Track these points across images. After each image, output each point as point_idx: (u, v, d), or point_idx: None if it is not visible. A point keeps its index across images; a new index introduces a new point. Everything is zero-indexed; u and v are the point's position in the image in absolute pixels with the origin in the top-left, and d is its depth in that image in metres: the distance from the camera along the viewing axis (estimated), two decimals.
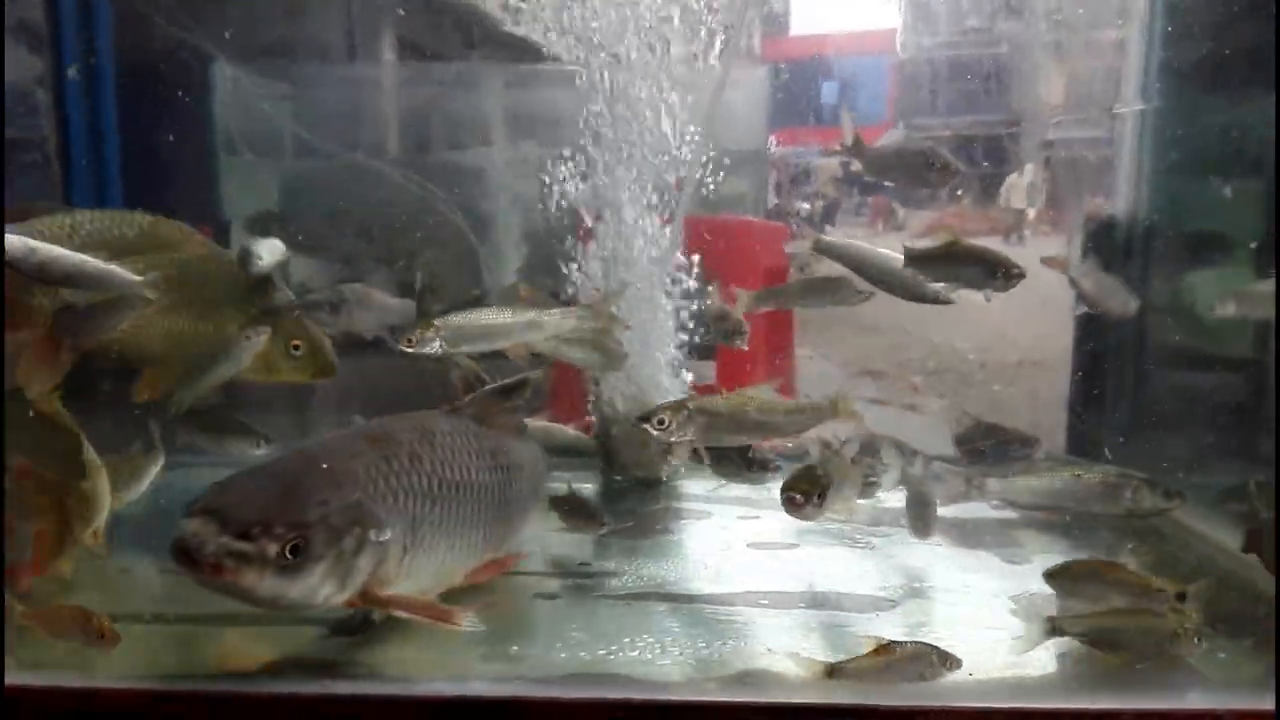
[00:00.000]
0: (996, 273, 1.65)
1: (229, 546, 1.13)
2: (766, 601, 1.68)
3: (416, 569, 1.38)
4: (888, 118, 5.06)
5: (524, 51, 3.54)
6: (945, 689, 1.39)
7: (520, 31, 3.62)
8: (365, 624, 1.52)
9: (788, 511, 1.56)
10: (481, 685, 1.38)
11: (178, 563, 1.14)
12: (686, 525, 2.09)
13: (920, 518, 1.83)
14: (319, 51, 3.81)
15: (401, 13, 3.76)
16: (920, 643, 1.39)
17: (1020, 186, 3.69)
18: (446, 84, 3.90)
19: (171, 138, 3.46)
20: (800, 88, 4.08)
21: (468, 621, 1.33)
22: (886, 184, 2.12)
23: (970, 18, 3.75)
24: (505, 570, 1.62)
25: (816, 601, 1.70)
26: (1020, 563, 1.88)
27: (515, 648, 1.48)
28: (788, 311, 3.46)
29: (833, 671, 1.36)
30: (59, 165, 3.28)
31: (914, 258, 1.75)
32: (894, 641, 1.38)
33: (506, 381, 1.67)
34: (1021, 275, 1.67)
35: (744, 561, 1.88)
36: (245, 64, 3.55)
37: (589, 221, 2.63)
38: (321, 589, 1.21)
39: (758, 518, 2.10)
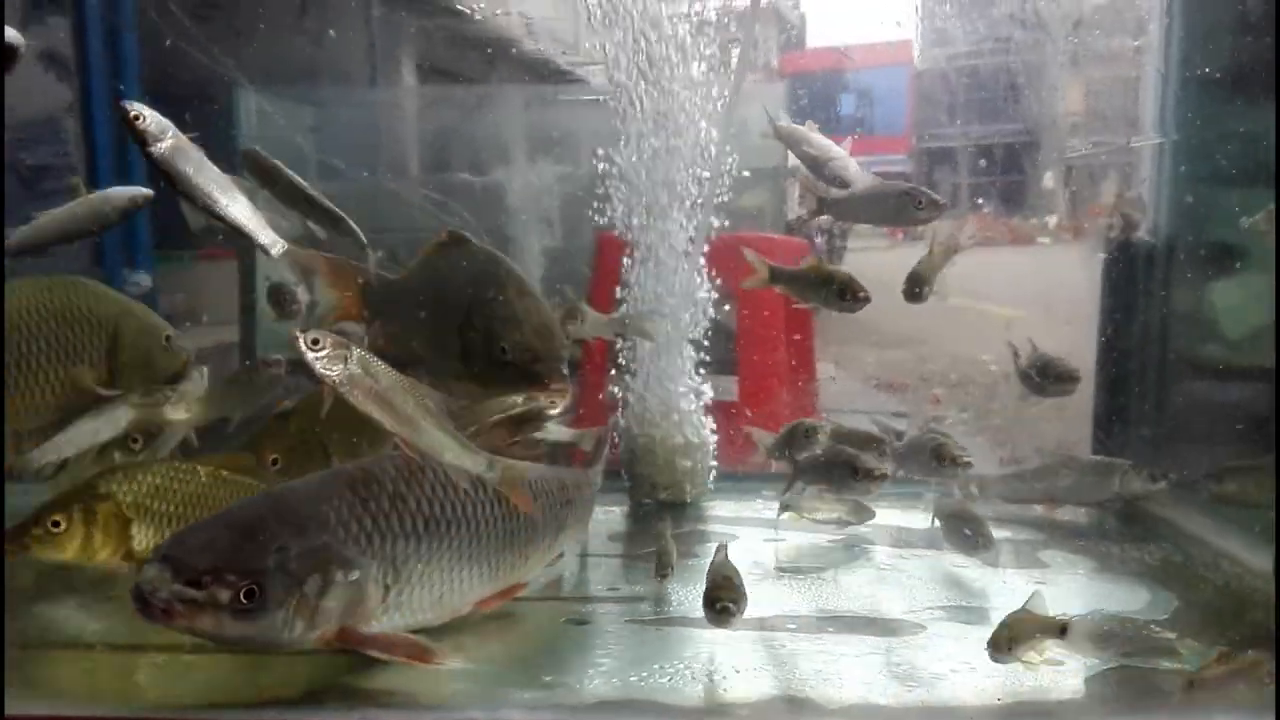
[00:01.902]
0: (845, 294, 1.80)
1: (181, 593, 1.18)
2: (794, 626, 1.70)
3: (409, 604, 1.40)
4: (905, 129, 5.07)
5: (545, 72, 3.58)
6: (971, 712, 1.40)
7: (540, 50, 3.67)
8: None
9: (715, 623, 1.54)
10: (517, 714, 1.40)
11: (136, 609, 1.19)
12: (713, 548, 2.10)
13: (970, 533, 1.86)
14: (342, 76, 3.86)
15: (422, 36, 3.81)
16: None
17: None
18: (468, 106, 3.94)
19: None
20: (818, 100, 4.10)
21: (449, 661, 1.35)
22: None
23: (987, 29, 3.76)
24: (510, 598, 1.61)
25: (847, 626, 1.71)
26: (1048, 584, 1.88)
27: (549, 676, 1.50)
28: (808, 326, 3.48)
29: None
30: (88, 190, 3.34)
31: (780, 277, 1.98)
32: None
33: (516, 411, 1.68)
34: (866, 299, 1.81)
35: (773, 585, 1.89)
36: (270, 90, 3.60)
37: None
38: (287, 631, 1.25)
39: (783, 540, 2.11)
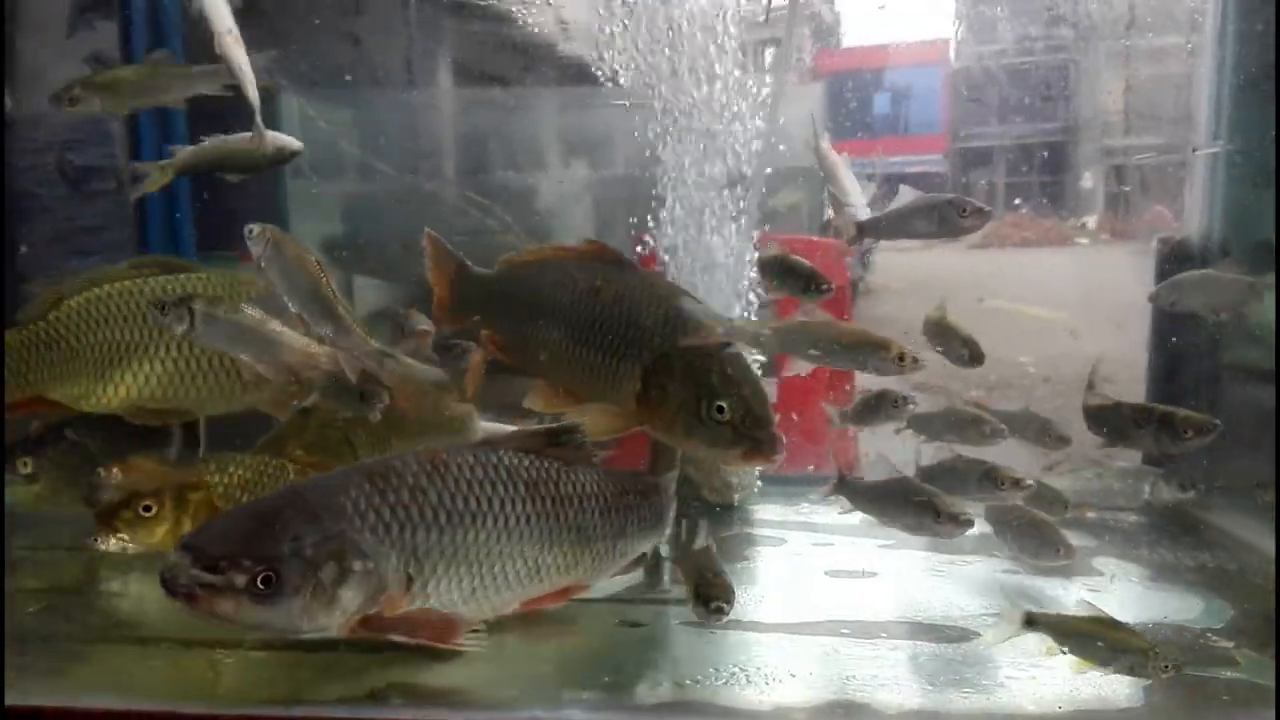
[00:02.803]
0: (809, 285, 1.83)
1: (199, 578, 1.24)
2: (848, 631, 1.69)
3: (438, 596, 1.42)
4: (941, 128, 5.03)
5: (580, 74, 3.59)
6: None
7: (573, 51, 3.68)
8: (454, 651, 1.57)
9: (706, 620, 1.56)
10: (579, 714, 1.41)
11: (164, 593, 1.25)
12: (762, 552, 2.11)
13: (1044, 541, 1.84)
14: (381, 78, 3.88)
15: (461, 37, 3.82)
16: None
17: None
18: (507, 108, 3.95)
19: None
20: (854, 100, 4.08)
21: (468, 643, 1.40)
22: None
23: (1024, 27, 3.72)
24: (562, 600, 1.62)
25: (901, 630, 1.70)
26: (1101, 590, 1.87)
27: (607, 678, 1.51)
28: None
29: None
30: (132, 191, 3.39)
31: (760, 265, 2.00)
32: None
33: (556, 425, 1.66)
34: (830, 290, 1.83)
35: (824, 589, 1.89)
36: (310, 91, 3.63)
37: (651, 242, 2.66)
38: (306, 617, 1.30)
39: (832, 544, 2.11)
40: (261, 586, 1.26)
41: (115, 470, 1.73)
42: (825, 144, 1.94)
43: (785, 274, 1.91)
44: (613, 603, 1.80)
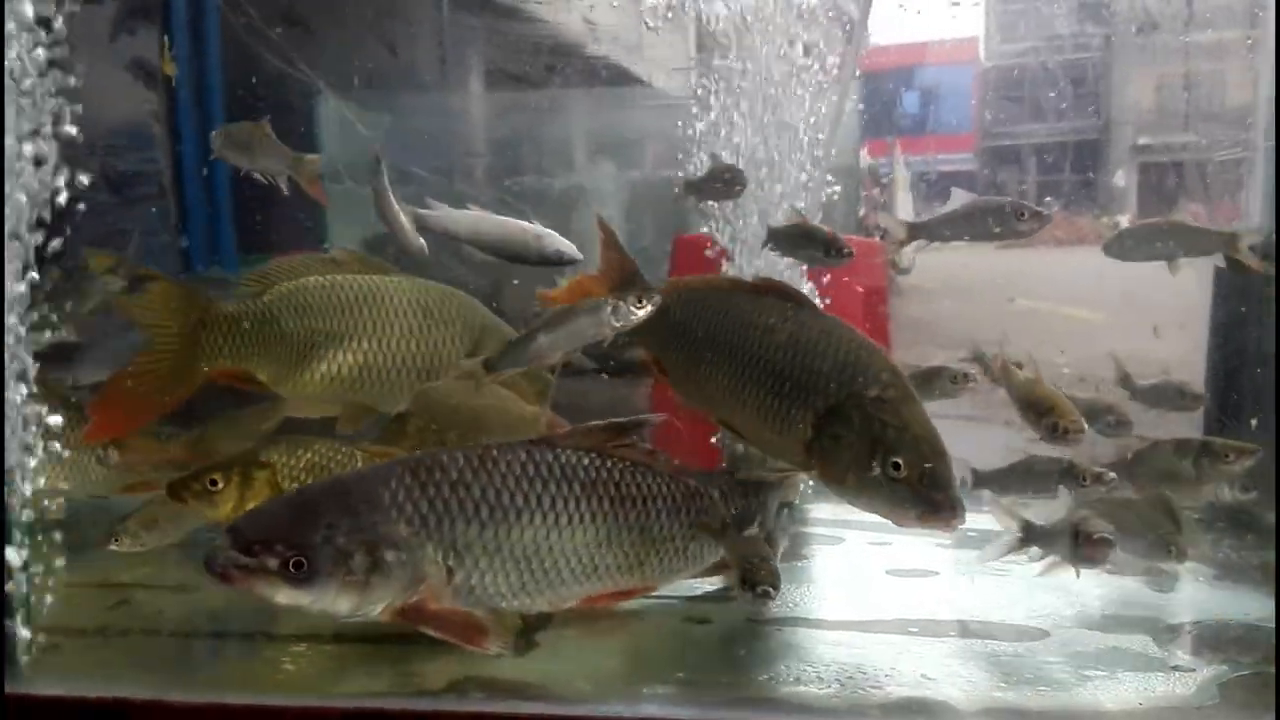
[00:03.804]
0: (829, 250, 1.84)
1: (235, 559, 1.32)
2: (916, 629, 1.70)
3: (484, 589, 1.44)
4: (972, 126, 5.01)
5: (613, 76, 3.60)
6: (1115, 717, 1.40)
7: (602, 52, 3.69)
8: (529, 645, 1.59)
9: (753, 606, 1.55)
10: (655, 708, 1.42)
11: (205, 572, 1.33)
12: (820, 550, 2.11)
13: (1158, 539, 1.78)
14: (416, 81, 3.91)
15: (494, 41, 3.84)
16: None
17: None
18: (541, 110, 3.97)
19: None
20: (884, 99, 4.07)
21: (496, 647, 1.42)
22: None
23: (1055, 24, 3.72)
24: (625, 600, 1.62)
25: (968, 630, 1.70)
26: (1166, 590, 1.86)
27: (680, 673, 1.52)
28: (884, 329, 3.47)
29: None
30: (174, 196, 3.43)
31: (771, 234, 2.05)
32: None
33: (621, 420, 1.64)
34: (850, 254, 1.83)
35: (886, 588, 1.90)
36: (347, 95, 3.65)
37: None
38: (341, 602, 1.35)
39: (890, 544, 2.10)
40: (293, 570, 1.32)
41: (113, 451, 1.90)
42: (898, 152, 1.96)
43: (802, 240, 1.92)
44: (679, 599, 1.80)
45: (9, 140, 1.45)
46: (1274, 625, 1.69)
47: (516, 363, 1.72)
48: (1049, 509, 1.81)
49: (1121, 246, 2.11)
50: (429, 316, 1.93)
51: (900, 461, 1.40)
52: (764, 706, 1.44)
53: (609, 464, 1.56)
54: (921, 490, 1.39)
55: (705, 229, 2.56)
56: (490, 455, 1.48)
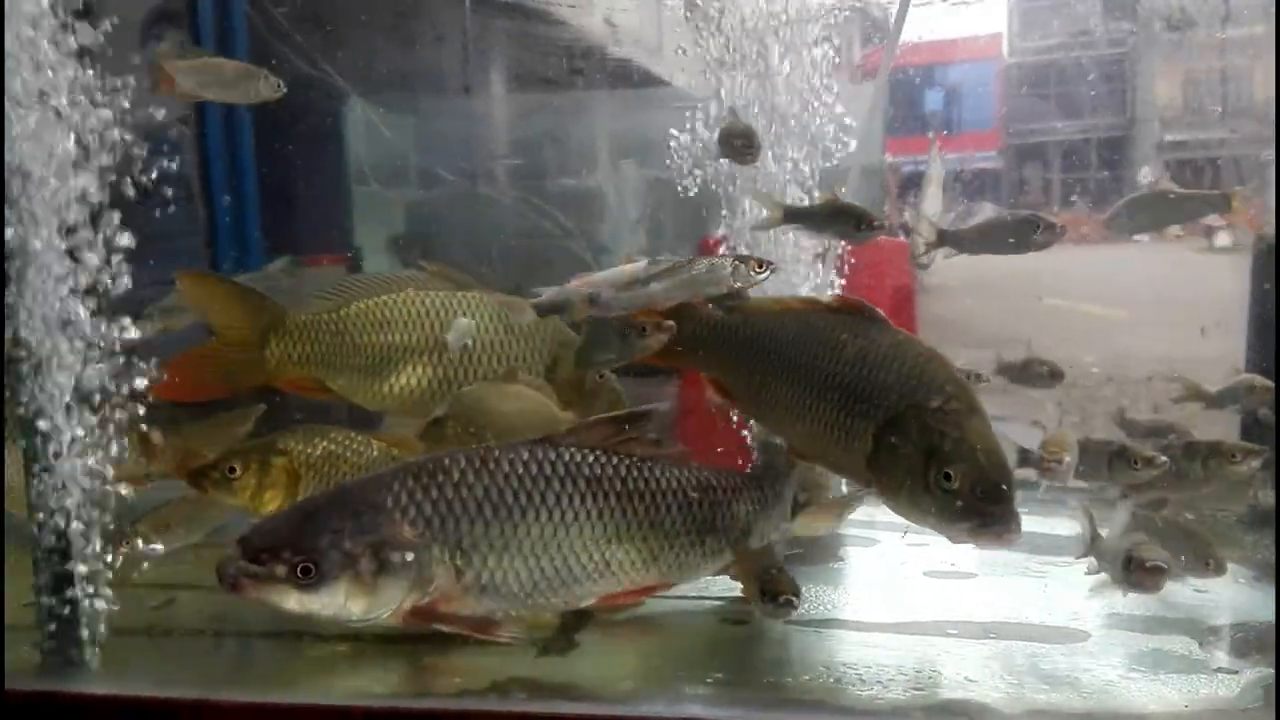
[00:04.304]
0: (860, 225, 1.84)
1: (244, 569, 1.36)
2: (955, 631, 1.69)
3: (496, 588, 1.47)
4: (995, 124, 4.99)
5: (637, 78, 3.61)
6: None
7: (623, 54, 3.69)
8: (570, 645, 1.60)
9: (773, 617, 1.58)
10: (698, 708, 1.42)
11: (218, 582, 1.38)
12: (856, 552, 2.11)
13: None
14: (440, 84, 3.92)
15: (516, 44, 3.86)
16: None
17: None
18: (563, 111, 3.98)
19: (306, 171, 3.61)
20: (907, 97, 4.06)
21: (509, 636, 1.46)
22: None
23: (1086, 20, 3.69)
24: (642, 598, 1.63)
25: (1009, 631, 1.69)
26: (1208, 592, 1.84)
27: (718, 674, 1.52)
28: (911, 325, 3.45)
29: None
30: (202, 199, 3.46)
31: (795, 215, 2.01)
32: None
33: (621, 413, 1.69)
34: (881, 226, 1.85)
35: (924, 590, 1.89)
36: (373, 98, 3.68)
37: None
38: (351, 605, 1.39)
39: (927, 545, 2.09)
40: (301, 576, 1.36)
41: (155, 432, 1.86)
42: (935, 149, 1.97)
43: (835, 216, 1.93)
44: (714, 600, 1.80)
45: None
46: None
47: (631, 304, 1.70)
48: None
49: (1121, 221, 2.12)
50: (510, 332, 1.97)
51: (952, 472, 1.34)
52: (804, 708, 1.44)
53: (614, 460, 1.57)
54: (974, 502, 1.34)
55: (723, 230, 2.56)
56: (492, 456, 1.51)
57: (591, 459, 1.56)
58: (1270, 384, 2.12)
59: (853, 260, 2.66)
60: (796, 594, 1.56)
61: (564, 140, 4.07)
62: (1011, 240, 1.95)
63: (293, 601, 1.37)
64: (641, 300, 1.68)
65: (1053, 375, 2.23)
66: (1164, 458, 1.81)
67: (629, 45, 3.65)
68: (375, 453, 1.84)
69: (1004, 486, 1.35)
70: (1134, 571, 1.61)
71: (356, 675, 1.53)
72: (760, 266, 1.67)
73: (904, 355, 1.50)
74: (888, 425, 1.44)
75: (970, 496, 1.34)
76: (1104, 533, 1.81)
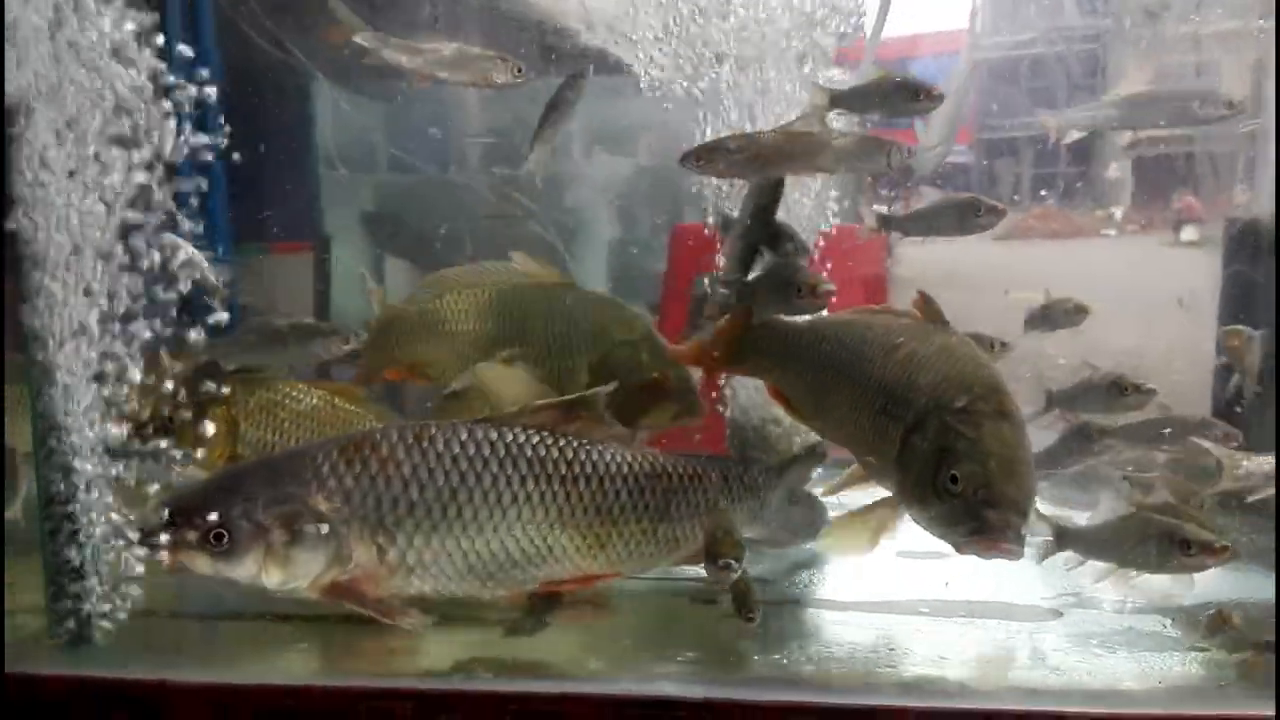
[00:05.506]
0: (918, 95, 1.72)
1: (160, 532, 1.38)
2: (928, 610, 1.68)
3: (427, 569, 1.43)
4: (967, 119, 4.99)
5: (608, 65, 3.57)
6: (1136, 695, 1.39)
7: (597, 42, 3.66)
8: (538, 625, 1.58)
9: (717, 580, 1.53)
10: (670, 686, 1.39)
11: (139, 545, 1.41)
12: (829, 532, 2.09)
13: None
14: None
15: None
16: None
17: None
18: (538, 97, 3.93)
19: (273, 156, 3.53)
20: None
21: (409, 623, 1.42)
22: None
23: (1056, 15, 3.71)
24: (589, 585, 1.55)
25: (982, 610, 1.69)
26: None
27: (690, 653, 1.49)
28: None
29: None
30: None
31: (840, 97, 1.80)
32: None
33: (579, 395, 1.59)
34: (940, 97, 1.72)
35: (896, 570, 1.88)
36: (342, 83, 3.61)
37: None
38: (265, 576, 1.38)
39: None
40: (214, 543, 1.36)
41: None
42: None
43: (892, 93, 1.75)
44: (685, 581, 1.77)
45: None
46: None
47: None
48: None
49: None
50: (557, 318, 2.01)
51: (958, 474, 1.26)
52: (779, 684, 1.42)
53: (560, 442, 1.51)
54: (974, 506, 1.25)
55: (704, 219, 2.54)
56: (428, 433, 1.46)
57: (536, 440, 1.49)
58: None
59: (826, 249, 2.65)
60: (739, 558, 1.50)
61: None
62: (955, 222, 1.98)
63: (205, 566, 1.38)
64: None
65: (1078, 310, 2.24)
66: (1152, 385, 1.94)
67: (602, 29, 3.61)
68: (315, 400, 1.87)
69: (1009, 494, 1.25)
70: (1177, 553, 1.57)
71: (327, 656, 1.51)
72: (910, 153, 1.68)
73: (948, 358, 1.42)
74: (913, 425, 1.37)
75: (973, 500, 1.26)
76: (1083, 521, 1.79)
